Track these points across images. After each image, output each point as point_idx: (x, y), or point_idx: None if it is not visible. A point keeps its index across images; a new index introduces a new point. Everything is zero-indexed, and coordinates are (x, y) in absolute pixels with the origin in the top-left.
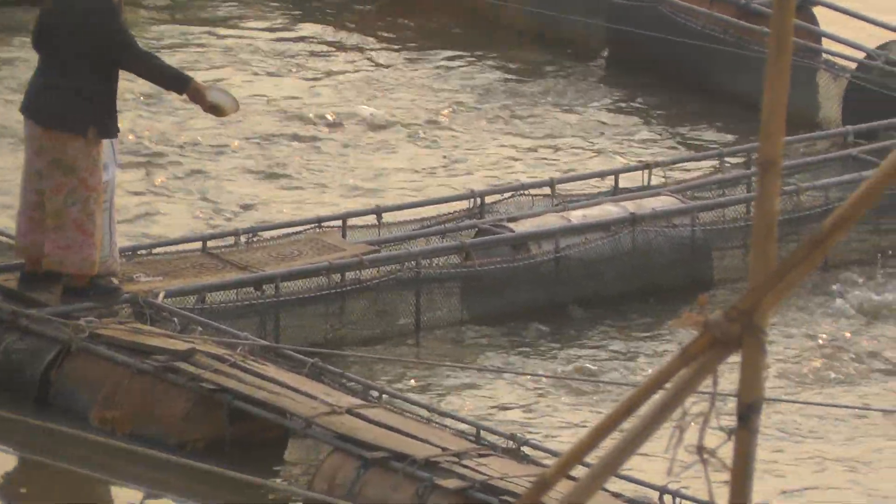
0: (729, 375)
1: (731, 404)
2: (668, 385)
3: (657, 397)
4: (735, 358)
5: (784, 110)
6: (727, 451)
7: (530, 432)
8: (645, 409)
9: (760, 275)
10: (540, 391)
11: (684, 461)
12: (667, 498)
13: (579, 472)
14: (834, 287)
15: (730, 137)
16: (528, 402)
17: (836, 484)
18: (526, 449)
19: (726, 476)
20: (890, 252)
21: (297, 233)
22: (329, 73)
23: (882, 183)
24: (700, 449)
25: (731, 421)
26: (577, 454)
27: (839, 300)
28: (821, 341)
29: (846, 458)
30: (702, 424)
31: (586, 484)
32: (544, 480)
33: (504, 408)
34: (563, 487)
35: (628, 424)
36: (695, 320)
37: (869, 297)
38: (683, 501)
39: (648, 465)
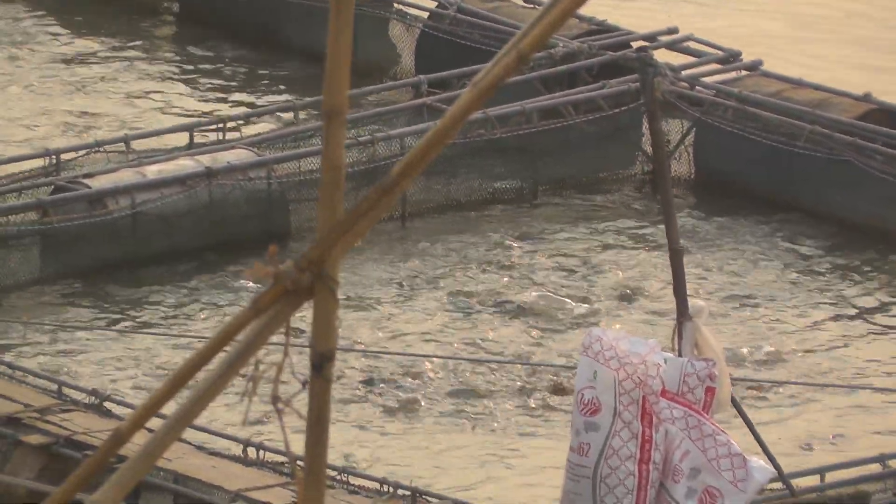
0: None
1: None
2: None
3: (230, 348)
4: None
5: (348, 58)
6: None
7: (115, 390)
8: (218, 361)
9: (329, 224)
10: (126, 344)
11: (264, 412)
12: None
13: (157, 424)
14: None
15: (304, 90)
16: (111, 354)
17: None
18: (108, 404)
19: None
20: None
21: None
22: None
23: (447, 130)
24: (275, 399)
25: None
26: (152, 407)
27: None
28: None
29: None
30: (276, 374)
31: (161, 435)
32: (120, 433)
33: (84, 363)
34: (140, 440)
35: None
36: (265, 271)
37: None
38: (267, 453)
39: (233, 416)
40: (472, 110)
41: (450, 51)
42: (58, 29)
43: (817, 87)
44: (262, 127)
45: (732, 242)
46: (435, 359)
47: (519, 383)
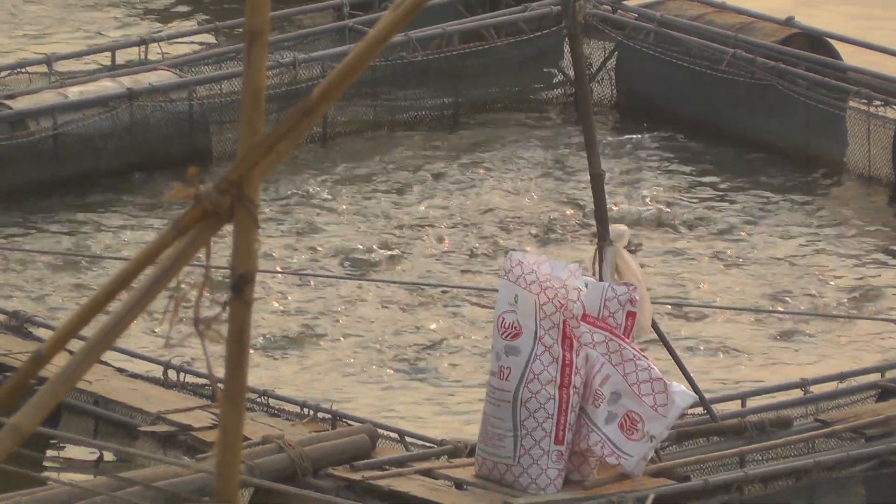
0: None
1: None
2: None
3: (150, 270)
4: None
5: None
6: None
7: (36, 311)
8: (139, 282)
9: (249, 146)
10: (47, 265)
11: (187, 335)
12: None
13: (78, 346)
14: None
15: (229, 12)
16: (32, 275)
17: None
18: (29, 326)
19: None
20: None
21: None
22: None
23: (368, 52)
24: (196, 321)
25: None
26: (73, 328)
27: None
28: None
29: None
30: (197, 296)
31: (82, 356)
32: (40, 354)
33: (4, 285)
34: (60, 362)
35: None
36: (186, 193)
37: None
38: (188, 376)
39: (154, 339)
40: (394, 33)
41: None
42: None
43: (740, 11)
44: (186, 48)
45: (654, 167)
46: (363, 283)
47: (444, 308)
